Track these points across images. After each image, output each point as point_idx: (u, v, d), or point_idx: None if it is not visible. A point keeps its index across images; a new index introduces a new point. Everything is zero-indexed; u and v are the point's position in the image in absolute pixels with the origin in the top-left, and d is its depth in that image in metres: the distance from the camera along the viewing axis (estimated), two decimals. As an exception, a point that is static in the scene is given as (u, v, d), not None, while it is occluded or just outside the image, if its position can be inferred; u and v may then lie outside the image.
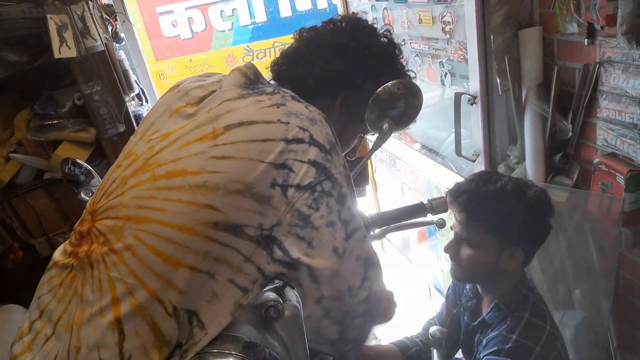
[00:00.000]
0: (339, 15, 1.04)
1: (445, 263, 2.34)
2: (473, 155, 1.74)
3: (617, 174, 1.27)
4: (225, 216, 0.78)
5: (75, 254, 0.84)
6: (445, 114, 1.93)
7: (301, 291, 0.82)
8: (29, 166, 2.15)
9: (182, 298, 0.78)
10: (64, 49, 1.86)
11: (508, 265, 1.20)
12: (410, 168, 2.45)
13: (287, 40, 1.06)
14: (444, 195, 1.26)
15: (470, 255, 1.21)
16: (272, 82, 0.99)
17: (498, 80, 1.53)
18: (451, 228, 1.27)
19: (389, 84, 0.93)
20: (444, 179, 2.05)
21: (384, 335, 2.52)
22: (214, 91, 0.90)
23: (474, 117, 1.69)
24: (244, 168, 0.78)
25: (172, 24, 3.50)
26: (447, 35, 1.78)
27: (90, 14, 1.92)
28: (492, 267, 1.20)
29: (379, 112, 0.95)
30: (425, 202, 1.20)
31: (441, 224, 1.21)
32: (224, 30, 3.63)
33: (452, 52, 1.79)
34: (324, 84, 0.96)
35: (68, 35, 1.85)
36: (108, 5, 2.13)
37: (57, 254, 0.90)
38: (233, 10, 3.60)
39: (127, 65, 2.26)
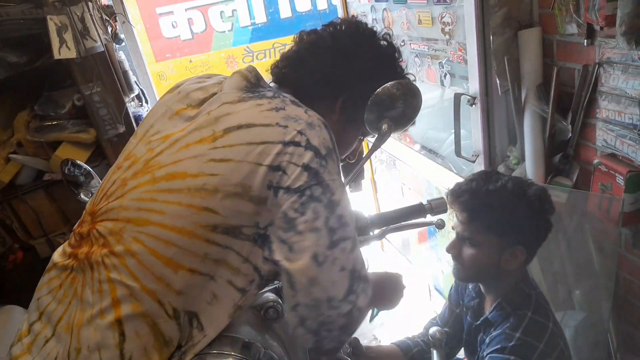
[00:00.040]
0: (339, 18, 1.03)
1: (445, 264, 2.34)
2: (473, 155, 1.74)
3: (616, 174, 1.27)
4: (224, 219, 0.78)
5: (75, 256, 0.84)
6: (444, 114, 1.93)
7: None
8: (28, 167, 2.14)
9: (182, 300, 0.78)
10: (63, 50, 1.86)
11: (510, 264, 1.20)
12: (410, 169, 2.45)
13: (287, 41, 1.06)
14: (443, 196, 1.26)
15: (473, 255, 1.21)
16: (272, 84, 0.99)
17: (497, 81, 1.53)
18: (453, 228, 1.28)
19: (388, 84, 0.93)
20: (444, 180, 2.05)
21: (384, 336, 2.52)
22: (214, 93, 0.90)
23: (473, 118, 1.69)
24: (242, 171, 0.78)
25: (172, 25, 3.51)
26: (447, 36, 1.78)
27: (90, 15, 1.92)
28: (495, 266, 1.21)
29: (378, 112, 0.95)
30: (424, 202, 1.20)
31: (440, 225, 1.21)
32: (224, 31, 3.63)
33: (452, 52, 1.79)
34: (325, 87, 0.96)
35: (68, 36, 1.85)
36: (108, 6, 2.13)
37: (57, 256, 0.90)
38: (233, 11, 3.60)
39: (127, 66, 2.26)
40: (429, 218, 1.21)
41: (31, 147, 2.11)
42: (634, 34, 1.08)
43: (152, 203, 0.80)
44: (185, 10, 3.47)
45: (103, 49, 2.00)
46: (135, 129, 0.98)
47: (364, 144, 1.16)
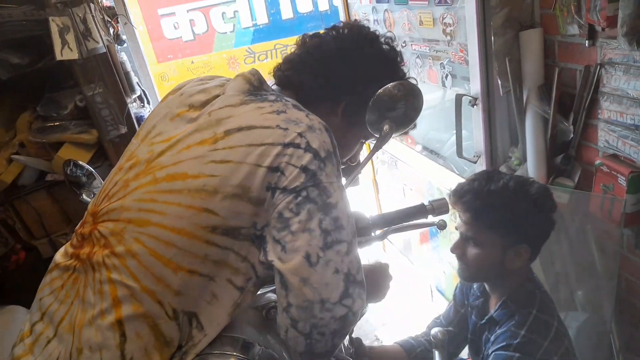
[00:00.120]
0: (342, 22, 1.04)
1: (447, 265, 2.34)
2: (474, 156, 1.74)
3: (618, 175, 1.27)
4: (224, 220, 0.78)
5: (77, 256, 0.85)
6: (446, 115, 1.93)
7: None
8: (31, 168, 2.15)
9: (181, 300, 0.79)
10: (65, 51, 1.86)
11: (514, 263, 1.21)
12: (412, 169, 2.44)
13: (289, 42, 1.07)
14: (445, 196, 1.26)
15: (477, 255, 1.22)
16: (275, 87, 0.99)
17: (499, 82, 1.53)
18: (456, 228, 1.28)
19: (389, 85, 0.93)
20: (445, 181, 2.05)
21: (386, 336, 2.52)
22: (217, 95, 0.90)
23: (475, 119, 1.69)
24: (241, 172, 0.78)
25: (174, 26, 3.51)
26: (448, 37, 1.78)
27: (92, 16, 1.92)
28: (499, 265, 1.21)
29: (380, 113, 0.95)
30: (426, 203, 1.20)
31: (442, 225, 1.21)
32: (226, 32, 3.64)
33: (453, 53, 1.79)
34: (327, 90, 0.97)
35: (70, 37, 1.86)
36: (110, 8, 2.14)
37: (59, 256, 0.90)
38: (234, 12, 3.61)
39: (128, 67, 2.26)
40: (431, 219, 1.20)
41: (33, 148, 2.11)
42: (636, 34, 1.08)
43: (152, 204, 0.80)
44: (187, 11, 3.47)
45: (105, 50, 2.00)
46: (137, 129, 0.98)
47: (365, 145, 1.16)
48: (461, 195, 1.23)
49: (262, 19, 3.60)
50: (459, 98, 1.68)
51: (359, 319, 0.84)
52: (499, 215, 1.18)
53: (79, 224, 0.91)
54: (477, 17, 1.49)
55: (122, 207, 0.82)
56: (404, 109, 0.96)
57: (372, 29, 1.02)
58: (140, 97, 2.38)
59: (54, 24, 1.82)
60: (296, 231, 0.77)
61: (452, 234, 2.15)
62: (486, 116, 1.64)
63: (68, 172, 1.27)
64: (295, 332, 0.77)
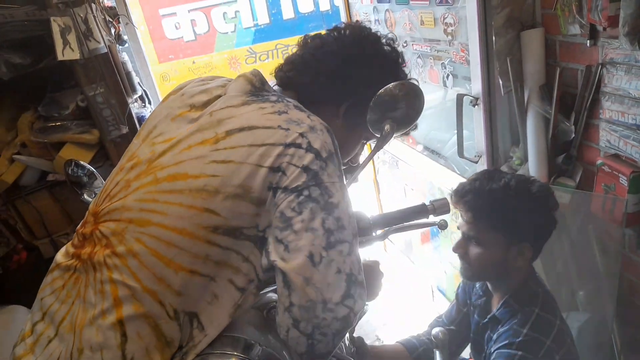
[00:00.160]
0: (343, 23, 1.04)
1: (448, 265, 2.33)
2: (475, 156, 1.74)
3: (620, 175, 1.27)
4: (225, 220, 0.78)
5: (78, 256, 0.85)
6: (447, 115, 1.93)
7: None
8: (32, 168, 2.15)
9: (181, 301, 0.79)
10: (67, 51, 1.86)
11: (517, 261, 1.21)
12: (413, 169, 2.44)
13: (290, 42, 1.07)
14: (446, 196, 1.26)
15: (479, 254, 1.22)
16: (276, 88, 0.99)
17: (500, 82, 1.53)
18: (458, 228, 1.28)
19: (390, 85, 0.93)
20: (447, 181, 2.05)
21: (387, 336, 2.52)
22: (218, 96, 0.90)
23: (476, 119, 1.69)
24: (243, 172, 0.78)
25: (175, 26, 3.51)
26: (449, 37, 1.78)
27: (94, 16, 1.92)
28: (501, 264, 1.21)
29: (381, 113, 0.95)
30: (427, 203, 1.20)
31: (443, 225, 1.21)
32: (227, 32, 3.64)
33: (454, 53, 1.79)
34: (329, 91, 0.97)
35: (71, 37, 1.86)
36: (111, 8, 2.14)
37: (60, 256, 0.90)
38: (236, 12, 3.61)
39: (130, 67, 2.26)
40: (432, 219, 1.20)
41: (35, 148, 2.12)
42: (637, 34, 1.08)
43: (154, 204, 0.80)
44: (188, 11, 3.47)
45: (106, 50, 2.01)
46: (138, 129, 0.98)
47: (366, 146, 1.16)
48: (463, 194, 1.23)
49: (263, 19, 3.60)
50: (460, 98, 1.67)
51: (359, 320, 0.84)
52: (501, 215, 1.18)
53: (80, 224, 0.91)
54: (478, 17, 1.49)
55: (124, 207, 0.83)
56: (405, 108, 0.96)
57: (373, 30, 1.02)
58: (141, 97, 2.38)
59: (56, 24, 1.83)
60: (299, 230, 0.77)
61: (453, 234, 2.15)
62: (487, 116, 1.64)
63: (69, 172, 1.28)
64: (297, 332, 0.77)
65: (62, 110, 2.08)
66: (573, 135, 1.40)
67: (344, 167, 1.04)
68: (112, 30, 2.12)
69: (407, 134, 1.08)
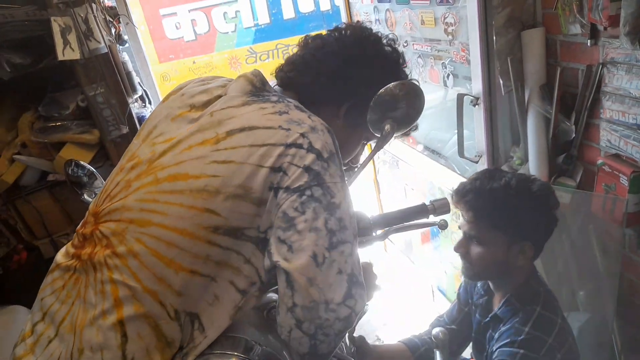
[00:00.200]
0: (344, 23, 1.04)
1: (448, 265, 2.33)
2: (476, 156, 1.74)
3: (620, 175, 1.27)
4: (226, 220, 0.78)
5: (78, 256, 0.85)
6: (447, 115, 1.92)
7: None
8: (32, 168, 2.15)
9: (182, 301, 0.78)
10: (67, 51, 1.86)
11: (518, 260, 1.21)
12: (413, 169, 2.44)
13: (290, 42, 1.07)
14: (446, 196, 1.26)
15: (481, 253, 1.22)
16: (277, 88, 0.99)
17: (501, 81, 1.53)
18: (459, 227, 1.29)
19: (390, 85, 0.93)
20: (447, 180, 2.04)
21: (387, 336, 2.52)
22: (219, 96, 0.90)
23: (476, 118, 1.69)
24: (243, 172, 0.78)
25: (176, 26, 3.51)
26: (450, 37, 1.77)
27: (94, 16, 1.92)
28: (503, 263, 1.21)
29: (381, 113, 0.95)
30: (427, 203, 1.20)
31: (443, 225, 1.21)
32: (227, 32, 3.63)
33: (455, 53, 1.79)
34: (329, 92, 0.97)
35: (72, 37, 1.86)
36: (111, 8, 2.14)
37: (60, 256, 0.90)
38: (236, 12, 3.60)
39: (130, 67, 2.26)
40: (432, 219, 1.20)
41: (35, 148, 2.11)
42: (638, 34, 1.08)
43: (154, 204, 0.80)
44: (189, 11, 3.47)
45: (107, 50, 2.01)
46: (139, 129, 0.98)
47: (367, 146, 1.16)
48: (463, 194, 1.23)
49: (264, 18, 3.60)
50: (460, 98, 1.67)
51: (359, 320, 0.84)
52: (502, 214, 1.18)
53: (80, 224, 0.91)
54: (478, 17, 1.49)
55: (124, 207, 0.82)
56: (405, 108, 0.96)
57: (374, 30, 1.02)
58: (141, 97, 2.38)
59: (56, 24, 1.83)
60: (302, 230, 0.77)
61: (454, 234, 2.15)
62: (488, 116, 1.64)
63: (69, 172, 1.28)
64: (300, 332, 0.77)
65: (62, 110, 2.08)
66: (574, 135, 1.40)
67: (345, 168, 1.04)
68: (113, 30, 2.12)
69: (407, 134, 1.08)
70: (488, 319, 1.30)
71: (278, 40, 3.63)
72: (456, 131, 1.73)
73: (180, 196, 0.79)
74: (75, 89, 2.09)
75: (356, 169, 1.11)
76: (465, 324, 1.45)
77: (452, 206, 1.20)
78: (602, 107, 1.29)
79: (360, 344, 1.36)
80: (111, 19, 2.10)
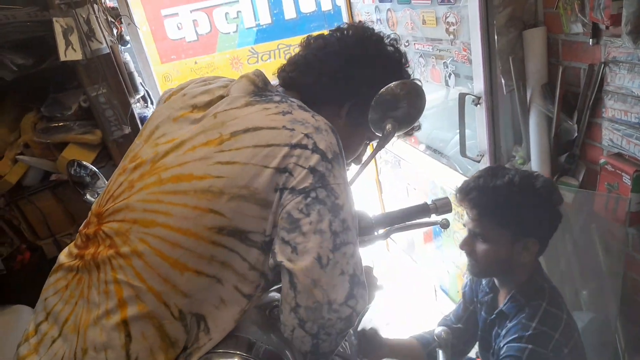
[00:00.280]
0: (346, 23, 1.04)
1: (450, 264, 2.33)
2: (478, 155, 1.74)
3: (623, 174, 1.27)
4: (230, 221, 0.78)
5: (82, 256, 0.85)
6: (449, 114, 1.92)
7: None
8: (35, 168, 2.15)
9: (188, 302, 0.79)
10: (69, 52, 1.87)
11: (523, 257, 1.21)
12: (415, 169, 2.44)
13: (292, 42, 1.07)
14: (448, 196, 1.27)
15: (486, 250, 1.22)
16: (279, 88, 0.99)
17: (502, 81, 1.53)
18: (464, 225, 1.29)
19: (392, 84, 0.93)
20: (449, 180, 2.04)
21: (389, 336, 2.52)
22: (221, 96, 0.90)
23: (478, 118, 1.69)
24: (248, 173, 0.78)
25: (177, 27, 3.51)
26: (451, 36, 1.77)
27: (96, 17, 1.92)
28: (508, 259, 1.22)
29: (382, 112, 0.95)
30: (429, 202, 1.20)
31: (445, 225, 1.21)
32: (229, 33, 3.63)
33: (456, 52, 1.79)
34: (332, 92, 0.97)
35: (74, 38, 1.86)
36: (113, 8, 2.14)
37: (63, 257, 0.90)
38: (238, 12, 3.60)
39: (132, 67, 2.27)
40: (434, 218, 1.20)
41: (38, 149, 2.12)
42: (640, 32, 1.08)
43: (158, 204, 0.80)
44: (190, 11, 3.47)
45: (108, 51, 2.01)
46: (140, 130, 0.98)
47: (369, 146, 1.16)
48: (467, 192, 1.24)
49: (265, 19, 3.60)
50: (462, 97, 1.67)
51: (361, 319, 0.85)
52: (506, 211, 1.19)
53: (83, 225, 0.91)
54: (480, 16, 1.49)
55: (127, 207, 0.83)
56: (406, 108, 0.96)
57: (376, 30, 1.02)
58: (143, 98, 2.39)
59: (58, 25, 1.83)
60: (307, 232, 0.77)
61: (456, 234, 2.15)
62: (490, 115, 1.64)
63: (72, 172, 1.28)
64: (303, 332, 0.78)
65: (64, 111, 2.08)
66: (576, 134, 1.40)
67: (347, 168, 1.04)
68: (115, 31, 2.12)
69: (410, 133, 1.08)
70: (494, 316, 1.30)
71: (279, 41, 3.63)
72: (458, 131, 1.73)
73: (185, 197, 0.79)
74: (78, 89, 2.10)
75: (358, 168, 1.11)
76: (471, 322, 1.45)
77: (454, 205, 1.20)
78: (604, 106, 1.29)
79: (372, 335, 1.37)
80: (113, 20, 2.10)
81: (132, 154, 0.91)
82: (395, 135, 1.00)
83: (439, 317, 1.59)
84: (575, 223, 1.48)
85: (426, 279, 2.63)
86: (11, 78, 1.92)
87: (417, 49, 2.05)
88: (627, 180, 1.26)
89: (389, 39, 1.02)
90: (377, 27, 1.15)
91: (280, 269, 0.78)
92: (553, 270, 1.53)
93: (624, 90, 1.22)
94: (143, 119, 2.23)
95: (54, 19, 1.83)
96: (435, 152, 2.20)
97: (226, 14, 3.55)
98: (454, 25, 1.74)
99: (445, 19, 1.76)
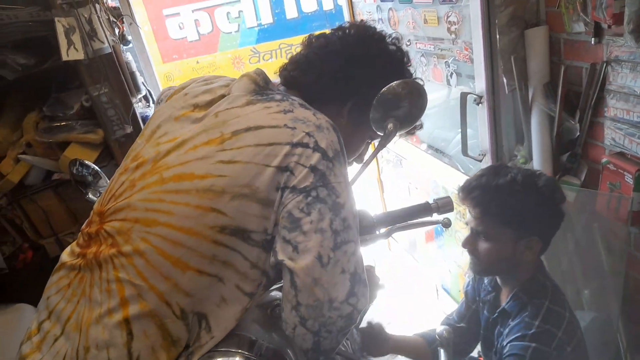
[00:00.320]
0: (348, 22, 1.04)
1: (452, 263, 2.33)
2: (480, 155, 1.74)
3: (625, 173, 1.26)
4: (232, 220, 0.79)
5: (84, 255, 0.85)
6: (451, 114, 1.92)
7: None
8: (37, 167, 2.16)
9: (189, 301, 0.79)
10: (71, 52, 1.87)
11: (526, 255, 1.21)
12: (417, 168, 2.44)
13: (293, 41, 1.07)
14: (450, 195, 1.27)
15: (488, 249, 1.23)
16: (281, 87, 0.99)
17: (504, 80, 1.53)
18: (466, 223, 1.29)
19: (393, 83, 0.93)
20: (451, 179, 2.04)
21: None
22: (222, 95, 0.91)
23: (480, 117, 1.69)
24: (249, 172, 0.79)
25: (179, 26, 3.51)
26: (453, 35, 1.77)
27: (98, 16, 1.93)
28: (511, 258, 1.22)
29: (383, 111, 0.95)
30: (431, 202, 1.20)
31: (447, 224, 1.21)
32: (231, 32, 3.63)
33: (458, 52, 1.79)
34: (333, 91, 0.97)
35: (76, 37, 1.87)
36: (115, 8, 2.15)
37: (65, 256, 0.91)
38: (239, 12, 3.60)
39: (134, 67, 2.27)
40: (436, 217, 1.20)
41: (40, 148, 2.12)
42: (642, 31, 1.08)
43: (160, 204, 0.80)
44: (192, 11, 3.47)
45: (110, 51, 2.01)
46: (142, 129, 0.99)
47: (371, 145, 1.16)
48: (470, 191, 1.24)
49: (267, 18, 3.60)
50: (464, 96, 1.67)
51: (363, 317, 0.85)
52: (509, 209, 1.19)
53: (85, 224, 0.91)
54: (481, 15, 1.49)
55: (129, 206, 0.83)
56: (407, 107, 0.96)
57: (378, 29, 1.02)
58: (145, 97, 2.39)
59: (60, 25, 1.83)
60: (308, 231, 0.77)
61: (457, 233, 2.15)
62: (491, 114, 1.64)
63: (74, 171, 1.28)
64: (304, 329, 0.78)
65: (66, 110, 2.08)
66: (578, 134, 1.40)
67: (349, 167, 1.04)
68: (116, 31, 2.13)
69: (412, 133, 1.08)
70: (496, 314, 1.30)
71: (281, 40, 3.63)
72: (460, 130, 1.73)
73: (186, 196, 0.79)
74: (80, 89, 2.10)
75: (359, 167, 1.11)
76: (474, 321, 1.45)
77: (455, 204, 1.20)
78: (606, 105, 1.29)
79: (378, 330, 1.37)
80: (115, 20, 2.10)
81: (134, 153, 0.92)
82: (397, 134, 1.00)
83: (440, 317, 1.59)
84: (577, 222, 1.48)
85: (428, 278, 2.63)
86: (13, 78, 1.92)
87: (419, 48, 2.05)
88: (629, 179, 1.25)
89: (390, 38, 1.01)
90: (379, 27, 1.16)
91: (282, 267, 0.79)
92: (555, 269, 1.53)
93: (626, 90, 1.22)
94: (145, 119, 2.23)
95: (56, 19, 1.83)
96: (437, 151, 2.20)
97: (228, 13, 3.55)
98: (455, 25, 1.73)
99: (447, 18, 1.76)
